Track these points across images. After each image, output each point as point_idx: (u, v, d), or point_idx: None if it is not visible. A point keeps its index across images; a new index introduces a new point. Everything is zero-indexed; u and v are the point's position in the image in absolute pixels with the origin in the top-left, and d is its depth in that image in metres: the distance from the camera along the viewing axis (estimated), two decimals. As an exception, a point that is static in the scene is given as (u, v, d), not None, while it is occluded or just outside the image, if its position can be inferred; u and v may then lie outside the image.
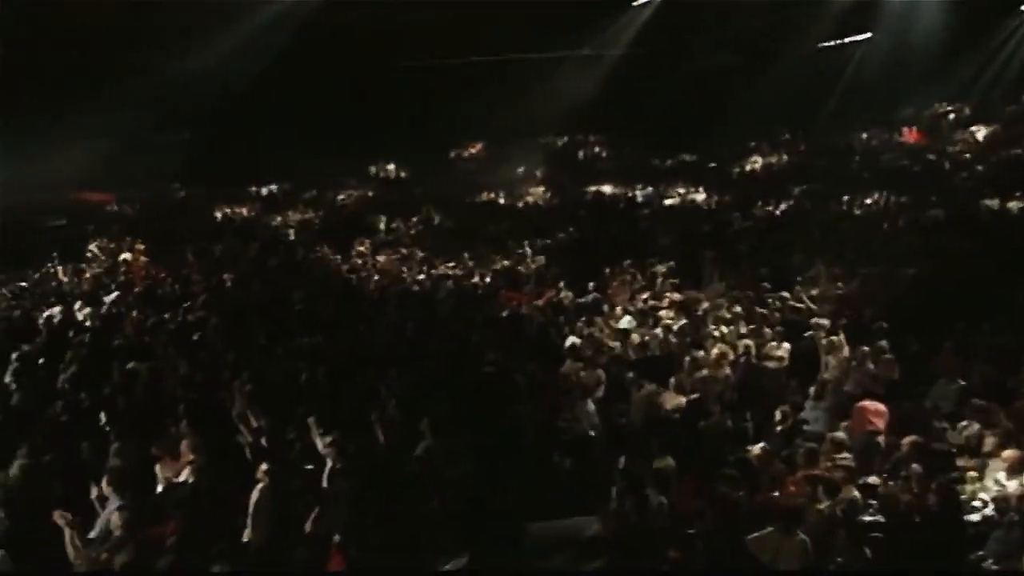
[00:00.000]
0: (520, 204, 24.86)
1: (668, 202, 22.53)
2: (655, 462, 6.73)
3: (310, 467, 6.82)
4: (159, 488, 6.61)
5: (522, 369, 9.61)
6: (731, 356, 9.47)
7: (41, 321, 12.21)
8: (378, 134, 24.35)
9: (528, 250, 17.71)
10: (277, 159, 25.04)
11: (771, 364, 9.54)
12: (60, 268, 17.08)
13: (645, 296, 12.69)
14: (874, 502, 6.11)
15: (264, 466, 6.07)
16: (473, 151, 29.40)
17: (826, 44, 23.27)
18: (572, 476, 7.69)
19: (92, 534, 5.78)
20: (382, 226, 22.66)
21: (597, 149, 29.07)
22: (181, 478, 6.58)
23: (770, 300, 11.50)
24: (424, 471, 6.80)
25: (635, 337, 10.57)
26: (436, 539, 6.22)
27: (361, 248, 19.76)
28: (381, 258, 18.88)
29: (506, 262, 17.04)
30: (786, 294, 11.59)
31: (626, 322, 11.24)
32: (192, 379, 8.77)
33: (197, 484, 6.28)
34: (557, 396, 9.11)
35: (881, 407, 7.86)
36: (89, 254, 19.09)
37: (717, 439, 7.88)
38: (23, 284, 15.62)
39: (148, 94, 20.84)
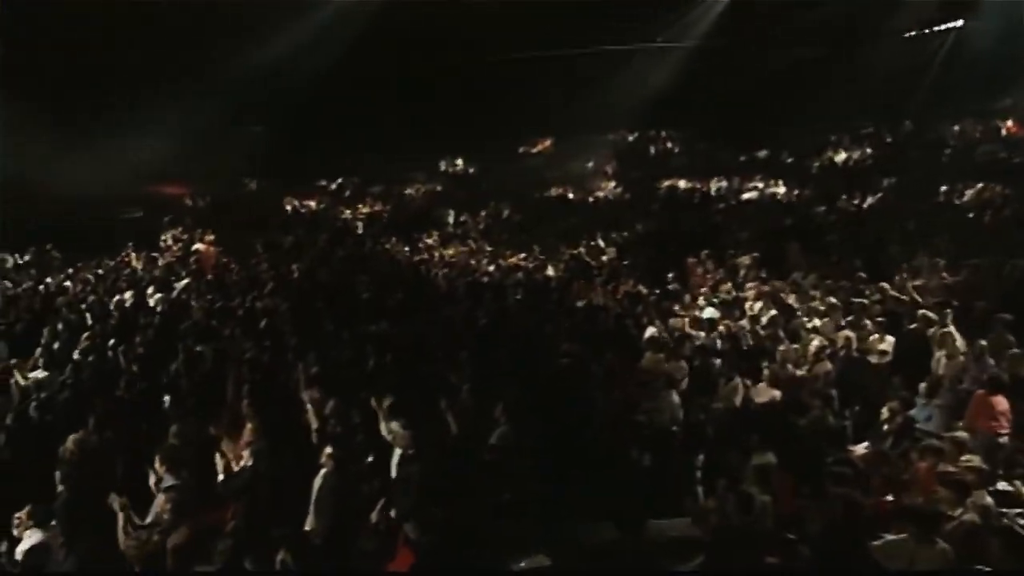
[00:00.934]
0: (591, 199, 24.23)
1: (746, 196, 21.57)
2: (754, 458, 6.08)
3: (375, 453, 6.38)
4: (219, 472, 6.25)
5: (598, 360, 9.06)
6: (829, 349, 8.71)
7: (112, 305, 12.21)
8: (447, 130, 24.07)
9: (601, 243, 17.17)
10: (347, 154, 25.15)
11: (873, 358, 8.74)
12: (134, 256, 17.27)
13: (727, 286, 11.98)
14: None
15: (329, 450, 5.65)
16: (541, 147, 28.97)
17: (913, 34, 22.04)
18: (651, 472, 7.12)
19: (147, 519, 5.43)
20: (450, 220, 22.38)
21: (669, 144, 28.26)
22: (242, 462, 6.23)
23: (868, 291, 10.64)
24: (498, 460, 6.30)
25: (721, 328, 9.88)
26: (509, 532, 5.74)
27: (429, 241, 19.50)
28: (449, 251, 18.57)
29: (580, 253, 16.45)
30: (886, 285, 10.70)
31: (710, 312, 10.56)
32: (258, 362, 8.47)
33: (258, 468, 5.90)
34: (634, 388, 8.54)
35: (1005, 405, 7.05)
36: (162, 244, 19.26)
37: (816, 436, 7.18)
38: (100, 271, 15.75)
39: (221, 89, 20.81)
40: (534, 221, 21.15)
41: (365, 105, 22.43)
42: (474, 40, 21.50)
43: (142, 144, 20.78)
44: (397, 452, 6.08)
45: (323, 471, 5.62)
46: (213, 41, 19.92)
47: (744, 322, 10.04)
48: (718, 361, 8.81)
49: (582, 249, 16.84)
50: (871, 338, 9.00)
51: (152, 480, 5.93)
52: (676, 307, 11.09)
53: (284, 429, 6.74)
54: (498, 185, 25.46)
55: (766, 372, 8.21)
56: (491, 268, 15.82)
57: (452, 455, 6.55)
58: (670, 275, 12.64)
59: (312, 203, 25.06)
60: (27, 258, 16.90)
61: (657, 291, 12.31)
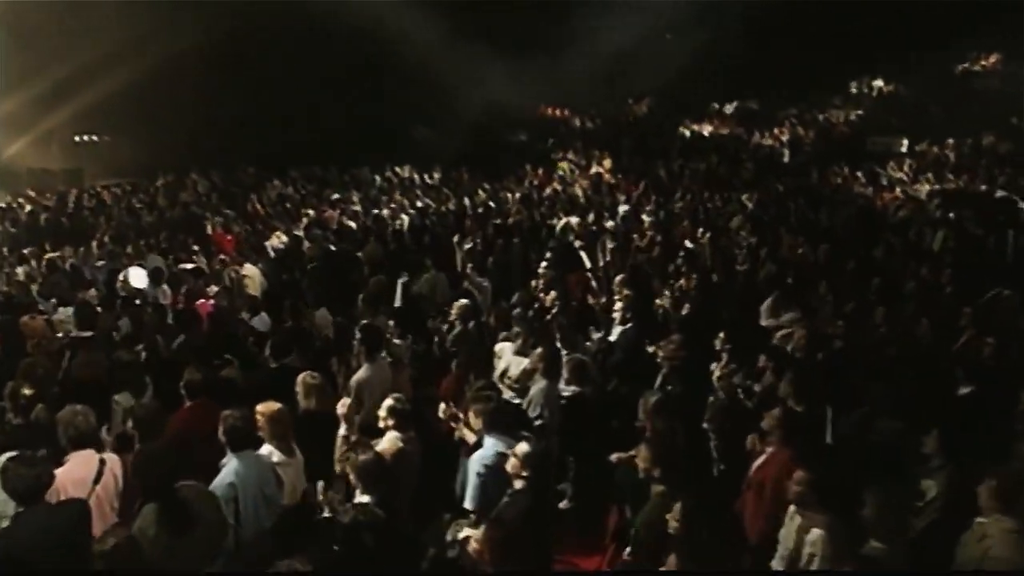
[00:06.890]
0: None
1: None
2: None
3: None
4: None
5: None
6: None
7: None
8: (866, 47, 19.93)
9: None
10: (742, 76, 21.61)
11: None
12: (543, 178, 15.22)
13: None
14: None
15: None
16: (985, 63, 22.61)
17: None
18: None
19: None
20: (902, 150, 17.58)
21: None
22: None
23: None
24: None
25: None
26: None
27: (898, 174, 15.04)
28: (924, 186, 14.07)
29: None
30: None
31: None
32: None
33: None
34: None
35: None
36: (560, 172, 17.00)
37: None
38: (517, 194, 13.71)
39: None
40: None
41: (761, 25, 19.14)
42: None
43: (526, 65, 18.84)
44: None
45: None
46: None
47: None
48: None
49: None
50: None
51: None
52: None
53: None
54: (946, 109, 19.92)
55: None
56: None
57: None
58: None
59: (707, 127, 21.57)
60: (437, 176, 15.68)
61: None
